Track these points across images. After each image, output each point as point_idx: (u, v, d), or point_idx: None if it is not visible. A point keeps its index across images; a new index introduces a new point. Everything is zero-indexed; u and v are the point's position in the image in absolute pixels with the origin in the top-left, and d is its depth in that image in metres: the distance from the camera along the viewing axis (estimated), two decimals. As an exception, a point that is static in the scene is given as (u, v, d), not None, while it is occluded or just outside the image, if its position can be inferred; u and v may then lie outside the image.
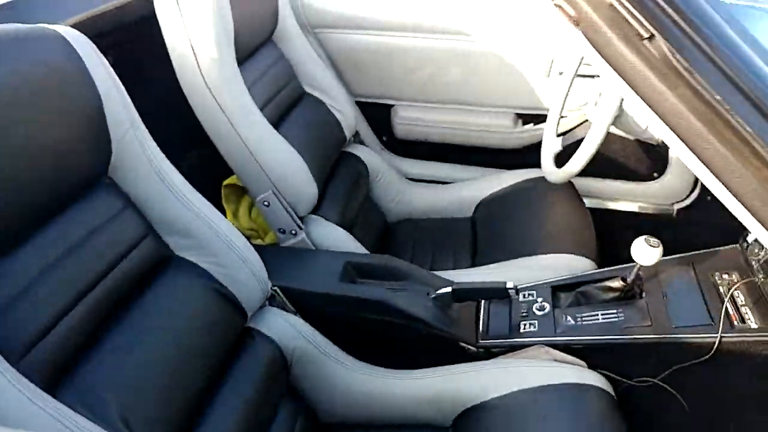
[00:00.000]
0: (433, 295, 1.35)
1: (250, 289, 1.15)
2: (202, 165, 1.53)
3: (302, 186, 1.50)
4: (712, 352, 1.14)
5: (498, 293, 1.32)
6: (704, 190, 1.91)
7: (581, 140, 1.58)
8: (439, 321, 1.33)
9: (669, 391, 1.17)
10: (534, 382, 1.16)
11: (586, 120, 1.62)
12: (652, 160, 1.86)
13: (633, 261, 1.22)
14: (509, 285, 1.31)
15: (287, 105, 1.64)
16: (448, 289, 1.33)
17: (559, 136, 1.66)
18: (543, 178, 1.74)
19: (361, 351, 1.30)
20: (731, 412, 1.20)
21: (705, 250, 1.35)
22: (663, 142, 1.50)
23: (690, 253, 1.32)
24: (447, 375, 1.24)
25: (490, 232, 1.72)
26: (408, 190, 1.91)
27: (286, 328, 1.23)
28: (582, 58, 1.62)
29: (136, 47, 1.45)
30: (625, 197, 1.90)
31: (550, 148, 1.65)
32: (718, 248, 1.37)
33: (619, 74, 0.80)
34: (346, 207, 1.67)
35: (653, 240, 1.22)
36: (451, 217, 1.88)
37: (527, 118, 1.92)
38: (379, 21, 1.84)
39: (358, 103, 1.99)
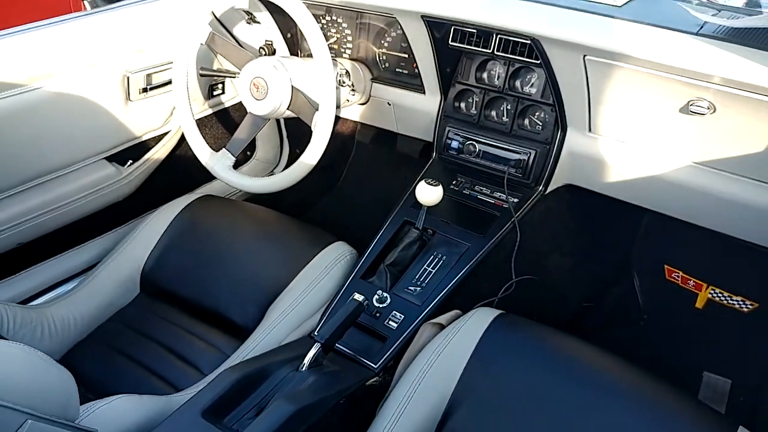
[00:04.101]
0: (305, 367, 1.11)
1: None
2: None
3: (55, 380, 0.89)
4: (519, 232, 1.36)
5: (356, 312, 1.18)
6: (292, 147, 2.04)
7: (251, 142, 1.46)
8: (336, 384, 1.12)
9: (527, 278, 1.35)
10: (464, 352, 1.13)
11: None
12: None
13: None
14: (357, 297, 1.20)
15: None
16: (316, 348, 1.12)
17: (219, 150, 1.45)
18: (193, 205, 1.51)
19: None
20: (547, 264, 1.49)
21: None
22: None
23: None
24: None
25: (210, 292, 1.39)
26: (37, 316, 1.31)
27: None
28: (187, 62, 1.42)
29: None
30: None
31: (223, 164, 1.43)
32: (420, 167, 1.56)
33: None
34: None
35: (431, 180, 1.31)
36: (118, 311, 1.42)
37: (122, 157, 1.56)
38: None
39: None
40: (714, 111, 1.11)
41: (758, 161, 1.13)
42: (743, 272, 1.53)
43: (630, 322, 1.64)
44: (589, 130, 1.32)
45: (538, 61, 1.27)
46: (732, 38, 1.02)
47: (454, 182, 1.50)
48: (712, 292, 1.61)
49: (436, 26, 1.36)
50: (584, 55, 1.17)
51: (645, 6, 1.17)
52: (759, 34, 1.02)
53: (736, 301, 1.58)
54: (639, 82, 1.15)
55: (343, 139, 2.05)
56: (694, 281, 1.63)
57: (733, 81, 1.02)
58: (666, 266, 1.65)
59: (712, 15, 1.09)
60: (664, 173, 1.26)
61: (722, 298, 1.59)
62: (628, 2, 1.17)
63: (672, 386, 1.03)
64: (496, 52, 1.33)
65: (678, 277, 1.66)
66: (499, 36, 1.31)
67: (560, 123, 1.35)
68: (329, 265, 1.37)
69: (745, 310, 1.56)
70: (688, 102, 1.12)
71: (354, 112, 1.69)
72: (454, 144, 1.49)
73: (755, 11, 1.10)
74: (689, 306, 1.63)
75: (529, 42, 1.25)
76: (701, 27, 1.07)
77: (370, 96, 1.63)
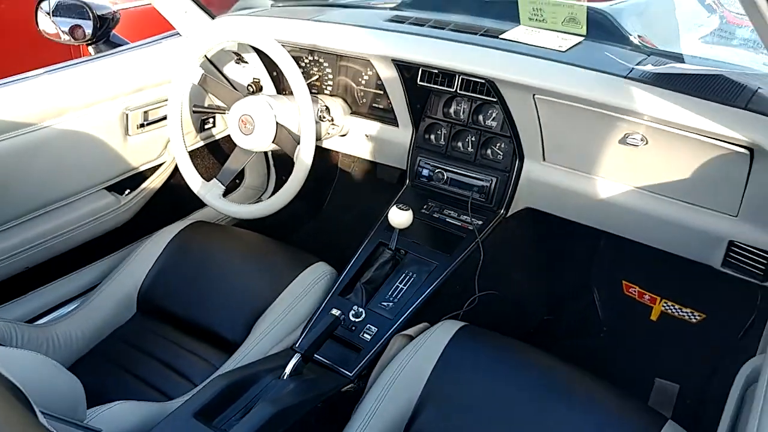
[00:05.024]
0: (287, 375, 1.24)
1: None
2: None
3: (66, 385, 1.02)
4: (482, 251, 1.50)
5: (333, 326, 1.32)
6: (278, 175, 2.18)
7: (240, 171, 1.60)
8: (314, 390, 1.25)
9: (489, 293, 1.49)
10: (430, 360, 1.26)
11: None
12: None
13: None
14: (334, 312, 1.34)
15: None
16: (296, 358, 1.25)
17: (211, 179, 1.59)
18: (186, 230, 1.63)
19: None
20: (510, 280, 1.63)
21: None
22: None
23: None
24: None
25: (195, 308, 1.51)
26: (43, 333, 1.44)
27: None
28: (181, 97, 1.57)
29: None
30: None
31: (214, 193, 1.58)
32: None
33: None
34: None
35: (402, 205, 1.45)
36: (117, 328, 1.54)
37: (120, 186, 1.70)
38: None
39: None
40: (647, 143, 1.26)
41: (687, 186, 1.29)
42: (691, 286, 1.67)
43: (591, 334, 1.78)
44: (544, 159, 1.47)
45: (496, 99, 1.42)
46: (655, 82, 1.18)
47: (425, 207, 1.64)
48: (665, 305, 1.75)
49: (406, 68, 1.52)
50: (534, 94, 1.32)
51: (585, 51, 1.33)
52: (677, 79, 1.18)
53: (686, 313, 1.72)
54: (582, 117, 1.30)
55: (327, 167, 2.20)
56: (649, 295, 1.78)
57: (656, 118, 1.18)
58: (624, 282, 1.80)
59: (638, 63, 1.25)
60: (610, 197, 1.41)
61: (674, 311, 1.74)
62: (570, 48, 1.33)
63: (613, 387, 1.17)
64: (459, 91, 1.49)
65: (635, 291, 1.80)
66: (461, 77, 1.46)
67: (518, 153, 1.50)
68: (310, 284, 1.50)
69: (694, 321, 1.71)
70: (625, 135, 1.28)
71: (336, 143, 1.84)
72: (425, 172, 1.64)
73: (676, 54, 1.27)
74: (645, 318, 1.77)
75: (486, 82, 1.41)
76: (630, 71, 1.22)
77: (349, 129, 1.78)
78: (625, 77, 1.21)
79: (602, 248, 1.80)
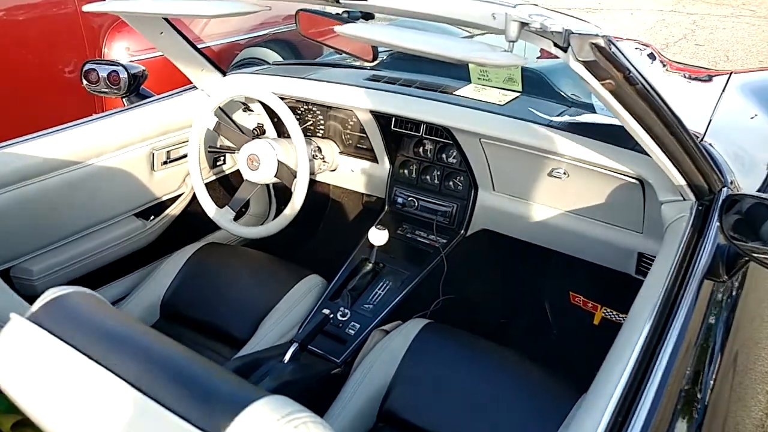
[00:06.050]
0: (287, 360, 1.55)
1: None
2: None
3: None
4: (446, 264, 1.84)
5: (325, 321, 1.64)
6: (278, 204, 2.51)
7: (246, 200, 1.94)
8: (309, 371, 1.57)
9: (449, 297, 1.83)
10: (401, 349, 1.59)
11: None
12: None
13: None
14: (325, 311, 1.66)
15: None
16: (294, 346, 1.56)
17: (223, 206, 1.93)
18: (201, 250, 1.96)
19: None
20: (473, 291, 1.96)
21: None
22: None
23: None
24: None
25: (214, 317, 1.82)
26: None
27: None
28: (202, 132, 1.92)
29: None
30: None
31: (226, 217, 1.92)
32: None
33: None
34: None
35: (380, 226, 1.79)
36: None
37: (147, 213, 2.04)
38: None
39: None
40: (568, 176, 1.61)
41: (602, 209, 1.63)
42: (623, 295, 1.99)
43: (542, 337, 2.11)
44: (494, 189, 1.82)
45: (452, 142, 1.78)
46: (569, 129, 1.54)
47: (400, 228, 1.98)
48: (605, 311, 2.08)
49: (382, 117, 1.88)
50: (480, 138, 1.68)
51: (519, 105, 1.69)
52: (587, 127, 1.54)
53: (622, 318, 2.05)
54: (518, 156, 1.66)
55: (321, 197, 2.55)
56: (591, 303, 2.11)
57: (571, 157, 1.53)
58: (570, 292, 2.13)
59: (558, 114, 1.61)
60: (547, 219, 1.76)
61: (612, 316, 2.06)
62: (508, 102, 1.69)
63: (548, 370, 1.48)
64: (424, 135, 1.85)
65: (579, 300, 2.13)
66: (425, 124, 1.82)
67: (473, 184, 1.86)
68: (305, 291, 1.82)
69: (627, 324, 2.03)
70: (551, 169, 1.63)
71: (328, 177, 2.19)
72: (400, 200, 1.99)
73: (589, 105, 1.63)
74: (589, 323, 2.09)
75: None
76: (550, 121, 1.58)
77: (338, 165, 2.13)
78: (546, 126, 1.57)
79: (553, 264, 2.14)
